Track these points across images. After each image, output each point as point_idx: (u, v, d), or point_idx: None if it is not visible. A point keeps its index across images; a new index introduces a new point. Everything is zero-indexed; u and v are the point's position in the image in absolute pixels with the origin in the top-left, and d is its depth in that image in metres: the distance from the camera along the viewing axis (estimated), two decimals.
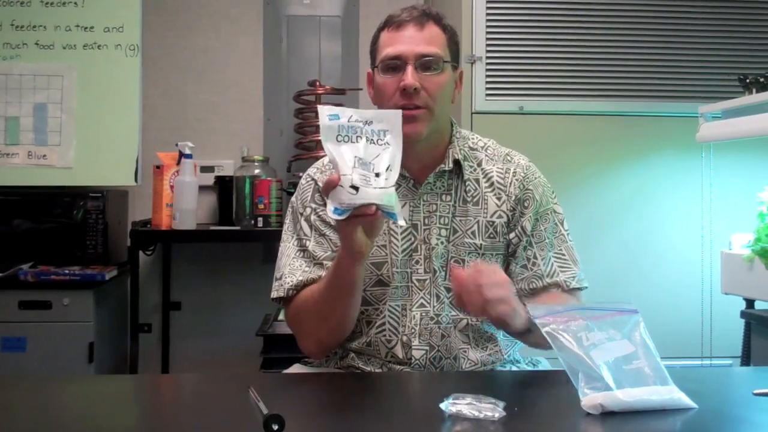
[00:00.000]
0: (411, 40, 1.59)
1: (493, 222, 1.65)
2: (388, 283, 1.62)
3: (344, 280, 1.49)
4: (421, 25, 1.60)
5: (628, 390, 1.18)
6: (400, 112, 1.41)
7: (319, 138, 3.61)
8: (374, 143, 1.36)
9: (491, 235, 1.65)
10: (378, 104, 1.66)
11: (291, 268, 1.63)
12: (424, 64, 1.59)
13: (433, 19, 1.62)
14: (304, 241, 1.65)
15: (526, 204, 1.66)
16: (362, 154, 1.35)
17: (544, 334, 1.24)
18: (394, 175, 1.36)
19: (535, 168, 1.72)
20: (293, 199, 1.74)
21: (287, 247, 1.68)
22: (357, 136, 1.36)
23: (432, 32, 1.61)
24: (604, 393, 1.17)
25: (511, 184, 1.67)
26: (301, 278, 1.61)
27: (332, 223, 1.60)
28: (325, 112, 1.37)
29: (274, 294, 1.65)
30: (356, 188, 1.31)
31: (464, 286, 1.41)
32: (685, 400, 1.21)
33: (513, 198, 1.67)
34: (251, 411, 1.16)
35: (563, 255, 1.67)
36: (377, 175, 1.34)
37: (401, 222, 1.42)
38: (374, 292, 1.63)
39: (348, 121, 1.36)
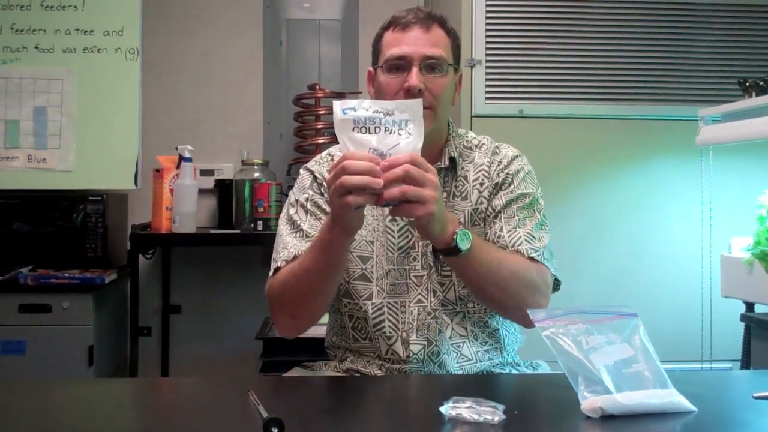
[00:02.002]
0: (416, 42, 1.60)
1: (477, 209, 1.67)
2: (371, 279, 1.64)
3: (334, 255, 1.50)
4: (427, 27, 1.61)
5: (628, 393, 1.18)
6: (420, 101, 1.39)
7: (319, 141, 3.60)
8: (395, 133, 1.34)
9: (475, 222, 1.66)
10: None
11: (284, 245, 1.64)
12: (429, 65, 1.60)
13: (438, 22, 1.63)
14: (298, 223, 1.66)
15: (503, 187, 1.67)
16: (379, 144, 1.33)
17: (544, 338, 1.24)
18: None
19: (522, 158, 1.72)
20: (291, 191, 1.76)
21: (281, 230, 1.69)
22: (376, 127, 1.34)
23: (437, 35, 1.62)
24: (603, 396, 1.17)
25: (494, 172, 1.69)
26: (293, 251, 1.61)
27: (327, 210, 1.62)
28: (339, 105, 1.35)
29: (270, 273, 1.64)
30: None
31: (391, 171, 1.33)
32: (684, 403, 1.21)
33: (493, 183, 1.68)
34: (251, 414, 1.16)
35: (532, 234, 1.62)
36: None
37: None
38: (356, 286, 1.64)
39: (366, 112, 1.34)
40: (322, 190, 1.67)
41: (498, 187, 1.67)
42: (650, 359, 1.24)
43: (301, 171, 1.76)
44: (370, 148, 1.33)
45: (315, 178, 1.71)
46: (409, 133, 1.34)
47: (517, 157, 1.72)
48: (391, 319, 1.63)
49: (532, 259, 1.58)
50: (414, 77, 1.57)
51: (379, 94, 1.66)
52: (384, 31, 1.66)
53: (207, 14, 3.58)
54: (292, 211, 1.70)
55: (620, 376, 1.20)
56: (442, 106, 1.63)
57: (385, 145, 1.33)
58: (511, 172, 1.68)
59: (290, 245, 1.63)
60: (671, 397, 1.21)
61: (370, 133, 1.34)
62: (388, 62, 1.61)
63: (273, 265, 1.64)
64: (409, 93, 1.57)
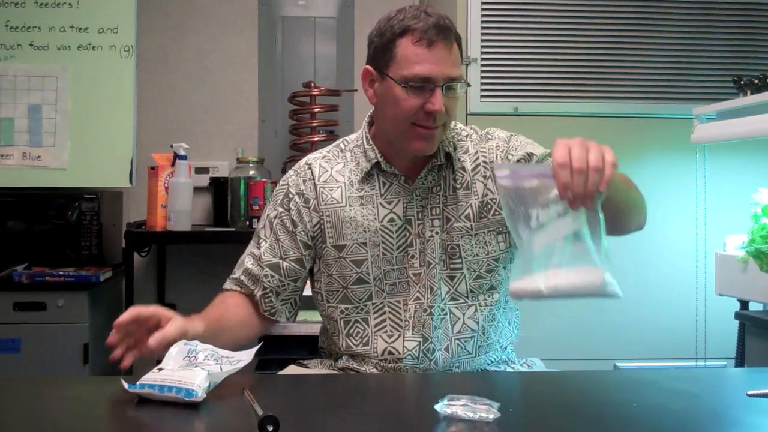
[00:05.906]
0: (442, 62, 1.54)
1: (484, 201, 1.66)
2: (368, 281, 1.64)
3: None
4: (450, 44, 1.55)
5: (553, 274, 1.19)
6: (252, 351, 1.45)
7: (314, 139, 3.58)
8: (221, 365, 1.35)
9: (483, 215, 1.65)
10: (391, 113, 1.60)
11: (241, 262, 1.75)
12: (451, 86, 1.56)
13: (454, 36, 1.58)
14: (260, 241, 1.72)
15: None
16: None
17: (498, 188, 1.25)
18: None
19: (516, 136, 1.72)
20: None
21: (251, 243, 1.76)
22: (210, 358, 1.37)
23: (456, 51, 1.57)
24: (526, 278, 1.20)
25: (496, 158, 1.68)
26: (242, 277, 1.74)
27: (290, 228, 1.68)
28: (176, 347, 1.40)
29: (229, 280, 1.80)
30: (161, 369, 1.31)
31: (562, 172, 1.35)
32: (611, 288, 1.21)
33: None
34: (246, 412, 1.16)
35: None
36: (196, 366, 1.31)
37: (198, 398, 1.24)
38: (355, 291, 1.65)
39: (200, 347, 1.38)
40: (291, 205, 1.69)
41: None
42: (597, 235, 1.22)
43: (280, 181, 1.75)
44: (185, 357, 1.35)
45: (288, 191, 1.71)
46: (230, 368, 1.36)
47: (510, 137, 1.71)
48: (392, 318, 1.64)
49: None
50: (439, 101, 1.53)
51: (393, 107, 1.58)
52: (398, 38, 1.55)
53: (202, 12, 3.57)
54: (260, 225, 1.74)
55: (559, 252, 1.20)
56: (452, 120, 1.64)
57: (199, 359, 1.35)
58: (512, 153, 1.67)
59: (243, 266, 1.73)
60: (600, 277, 1.20)
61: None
62: (411, 81, 1.54)
63: (232, 274, 1.76)
64: (430, 115, 1.54)
